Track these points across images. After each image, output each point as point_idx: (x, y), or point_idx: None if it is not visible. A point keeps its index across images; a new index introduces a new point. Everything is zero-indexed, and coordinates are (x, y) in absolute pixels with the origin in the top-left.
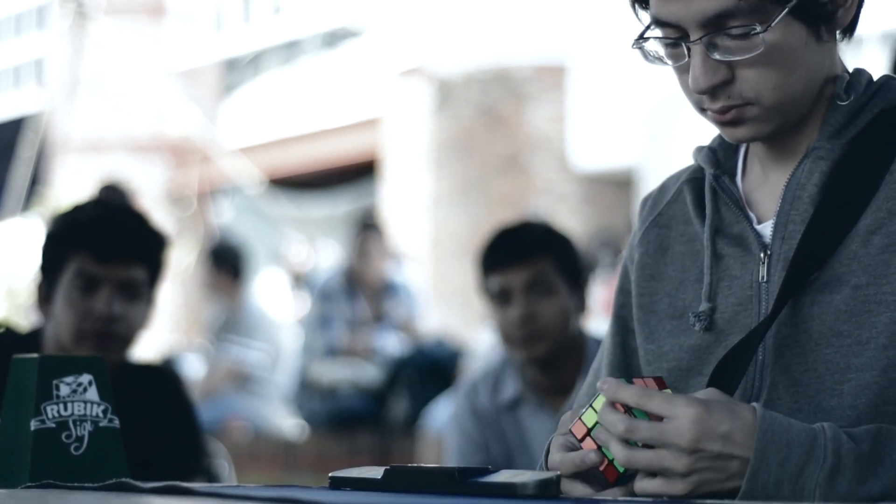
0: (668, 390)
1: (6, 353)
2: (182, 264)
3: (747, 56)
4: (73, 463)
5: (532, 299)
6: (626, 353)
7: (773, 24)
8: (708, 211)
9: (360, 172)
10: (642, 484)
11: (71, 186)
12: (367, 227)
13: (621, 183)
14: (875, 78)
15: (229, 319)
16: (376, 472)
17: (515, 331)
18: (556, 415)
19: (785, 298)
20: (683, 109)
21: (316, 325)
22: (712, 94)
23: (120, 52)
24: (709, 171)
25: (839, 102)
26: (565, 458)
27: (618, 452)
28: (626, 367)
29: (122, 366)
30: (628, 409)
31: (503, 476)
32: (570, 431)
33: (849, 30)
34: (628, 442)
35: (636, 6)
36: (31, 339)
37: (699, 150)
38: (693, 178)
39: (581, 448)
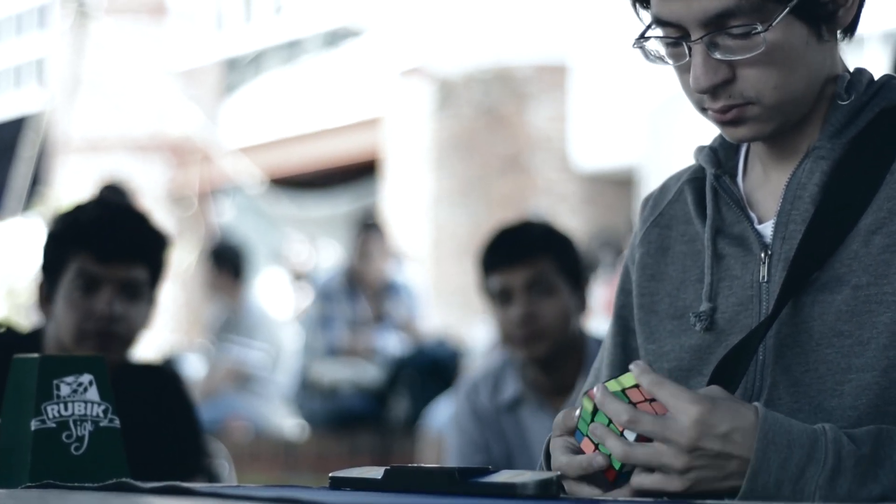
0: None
1: (7, 353)
2: (183, 264)
3: (748, 55)
4: (73, 463)
5: (533, 299)
6: (627, 354)
7: (774, 24)
8: (709, 211)
9: (361, 172)
10: (639, 479)
11: (72, 186)
12: (367, 227)
13: (622, 183)
14: (876, 77)
15: (230, 319)
16: (376, 473)
17: (516, 330)
18: (556, 415)
19: (785, 298)
20: (684, 109)
21: (317, 325)
22: (713, 94)
23: (121, 52)
24: (710, 171)
25: (840, 102)
26: (572, 460)
27: (615, 447)
28: (626, 368)
29: (122, 366)
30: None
31: (503, 476)
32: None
33: (850, 29)
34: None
35: (637, 5)
36: (32, 339)
37: (700, 149)
38: (694, 178)
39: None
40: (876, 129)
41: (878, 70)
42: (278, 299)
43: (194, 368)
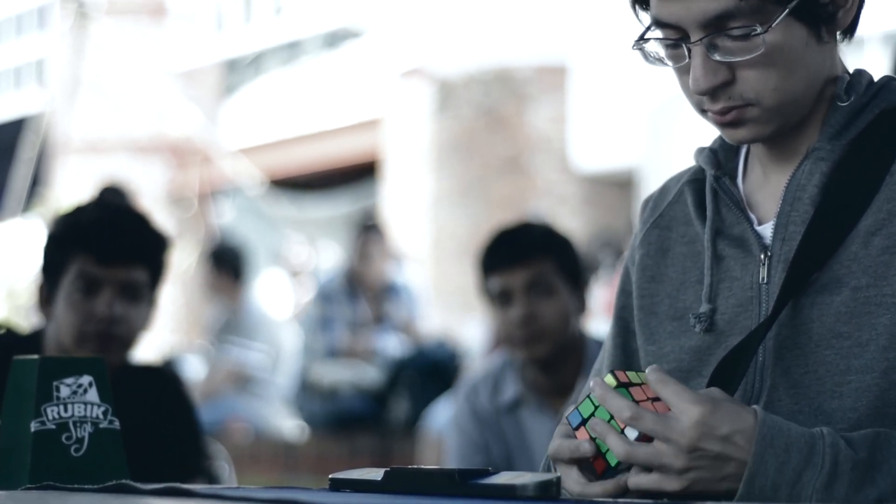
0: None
1: (7, 355)
2: (182, 265)
3: (748, 57)
4: (73, 464)
5: (532, 300)
6: (628, 355)
7: (773, 25)
8: (709, 212)
9: (361, 173)
10: (637, 479)
11: (71, 187)
12: (367, 229)
13: (622, 184)
14: (875, 79)
15: (230, 321)
16: (376, 474)
17: (516, 331)
18: (556, 416)
19: (785, 300)
20: (684, 110)
21: (316, 327)
22: (713, 95)
23: (121, 53)
24: (710, 173)
25: (840, 103)
26: (561, 444)
27: (616, 446)
28: (627, 369)
29: (122, 367)
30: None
31: (503, 478)
32: (566, 419)
33: (849, 31)
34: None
35: (636, 7)
36: (32, 341)
37: (700, 151)
38: (694, 180)
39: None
40: (876, 130)
41: (879, 71)
42: (278, 300)
43: (194, 370)
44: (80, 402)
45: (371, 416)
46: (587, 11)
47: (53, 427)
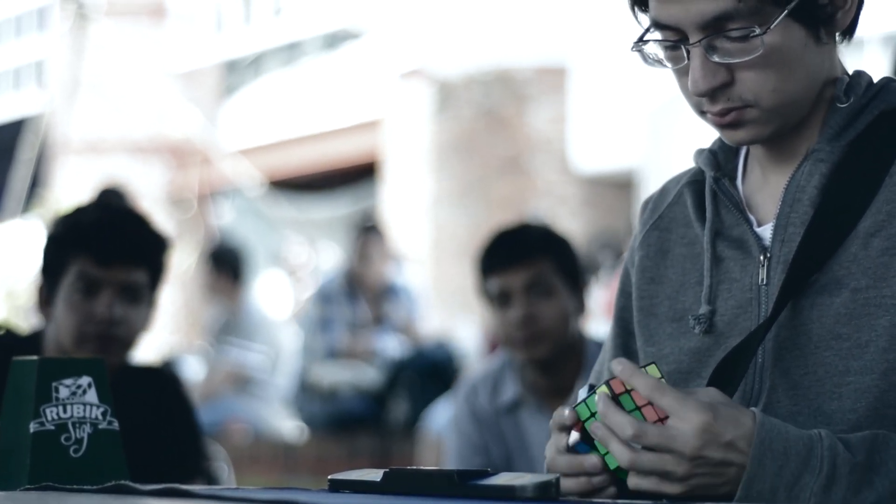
0: (662, 378)
1: (6, 356)
2: (182, 266)
3: (746, 58)
4: (72, 465)
5: (532, 301)
6: (628, 356)
7: (772, 27)
8: (708, 214)
9: (361, 174)
10: (637, 480)
11: (71, 188)
12: (367, 229)
13: (622, 185)
14: (875, 80)
15: (229, 321)
16: (376, 475)
17: (516, 332)
18: None
19: (784, 301)
20: (684, 111)
21: (316, 327)
22: (712, 97)
23: (120, 54)
24: (709, 174)
25: (839, 105)
26: (566, 460)
27: (620, 454)
28: None
29: (122, 368)
30: (615, 399)
31: (502, 479)
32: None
33: (848, 32)
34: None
35: (636, 8)
36: (32, 342)
37: (699, 152)
38: (693, 181)
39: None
40: (875, 131)
41: (878, 73)
42: (277, 301)
43: (193, 371)
44: (79, 402)
45: (370, 416)
46: (587, 12)
47: (52, 428)
